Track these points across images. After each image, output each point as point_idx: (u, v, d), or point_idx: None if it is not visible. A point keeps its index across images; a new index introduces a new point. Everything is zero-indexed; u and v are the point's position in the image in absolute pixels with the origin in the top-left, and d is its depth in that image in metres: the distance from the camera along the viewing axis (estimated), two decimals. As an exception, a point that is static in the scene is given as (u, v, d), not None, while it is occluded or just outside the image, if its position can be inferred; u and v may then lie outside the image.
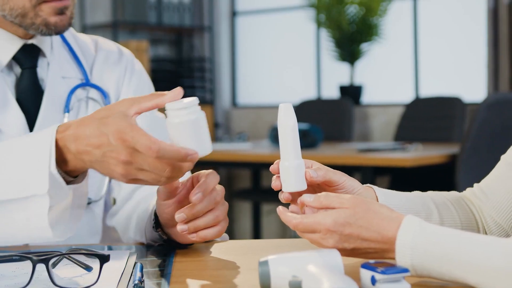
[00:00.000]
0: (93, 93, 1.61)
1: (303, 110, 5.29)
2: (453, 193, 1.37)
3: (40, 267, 1.01)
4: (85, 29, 5.57)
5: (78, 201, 1.24)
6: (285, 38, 6.04)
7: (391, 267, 0.96)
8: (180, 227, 1.23)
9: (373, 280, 0.96)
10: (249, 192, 5.29)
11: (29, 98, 1.53)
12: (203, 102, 5.97)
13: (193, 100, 1.13)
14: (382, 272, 0.95)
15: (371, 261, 0.99)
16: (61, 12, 1.47)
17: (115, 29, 5.51)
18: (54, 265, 1.11)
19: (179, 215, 1.22)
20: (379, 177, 4.54)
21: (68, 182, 1.20)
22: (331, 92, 5.69)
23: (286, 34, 6.03)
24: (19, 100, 1.52)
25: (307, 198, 1.11)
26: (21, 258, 1.03)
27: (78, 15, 5.60)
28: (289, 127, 1.14)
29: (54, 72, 1.56)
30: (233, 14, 6.28)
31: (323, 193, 1.11)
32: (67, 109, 1.56)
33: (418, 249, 1.00)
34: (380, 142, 4.98)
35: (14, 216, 1.19)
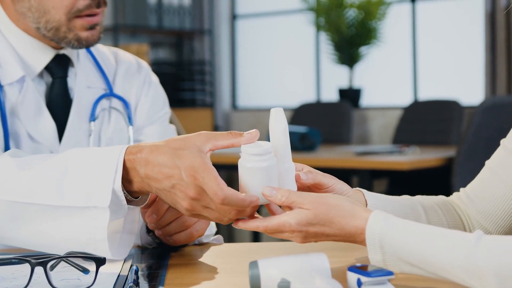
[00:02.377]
0: (116, 103, 1.66)
1: (302, 113, 5.32)
2: (441, 197, 1.40)
3: (39, 269, 1.05)
4: (86, 32, 5.61)
5: (129, 226, 1.25)
6: (284, 41, 6.07)
7: (376, 270, 0.99)
8: (157, 233, 1.32)
9: (359, 283, 0.99)
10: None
11: (59, 107, 1.58)
12: (203, 105, 6.00)
13: (268, 147, 1.15)
14: (368, 275, 0.98)
15: (358, 264, 1.03)
16: (91, 27, 1.53)
17: (116, 32, 5.55)
18: (52, 268, 1.15)
19: (150, 225, 1.31)
20: (377, 180, 4.57)
21: (129, 202, 1.22)
22: (330, 95, 5.72)
23: (285, 37, 6.07)
24: (49, 108, 1.57)
25: (268, 191, 1.14)
26: (20, 261, 1.06)
27: (79, 19, 5.63)
28: (280, 131, 1.17)
29: (81, 82, 1.62)
30: (233, 17, 6.32)
31: (284, 189, 1.14)
32: (92, 118, 1.61)
33: (386, 247, 1.05)
34: (379, 145, 5.01)
35: (73, 222, 1.19)
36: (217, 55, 6.21)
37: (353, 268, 1.01)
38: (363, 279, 0.98)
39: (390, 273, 0.99)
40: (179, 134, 5.02)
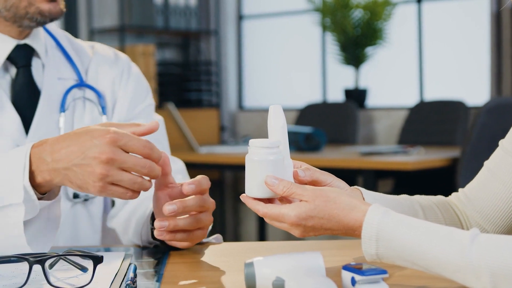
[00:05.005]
0: (89, 93, 1.64)
1: (308, 114, 5.32)
2: (439, 197, 1.41)
3: (38, 268, 1.06)
4: (92, 33, 5.63)
5: (51, 221, 1.28)
6: (290, 42, 6.08)
7: (370, 269, 1.00)
8: (159, 223, 1.26)
9: (353, 281, 1.00)
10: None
11: (25, 98, 1.56)
12: (209, 105, 6.02)
13: (276, 142, 1.16)
14: (362, 274, 0.99)
15: (352, 263, 1.03)
16: (52, 0, 1.51)
17: (122, 33, 5.56)
18: (52, 266, 1.16)
19: (169, 207, 1.24)
20: (382, 181, 4.58)
21: (40, 199, 1.24)
22: (336, 95, 5.72)
23: (291, 38, 6.07)
24: (15, 101, 1.54)
25: (270, 180, 1.15)
26: (18, 259, 1.08)
27: (85, 20, 5.65)
28: (278, 128, 1.18)
29: (50, 74, 1.60)
30: (240, 18, 6.33)
31: (286, 181, 1.15)
32: (62, 108, 1.59)
33: (381, 240, 1.06)
34: (384, 145, 5.01)
35: None
36: (223, 55, 6.22)
37: (347, 267, 1.02)
38: (357, 277, 0.99)
39: (384, 271, 1.00)
40: (184, 134, 4.99)
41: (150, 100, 1.73)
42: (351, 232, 1.12)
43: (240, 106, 6.30)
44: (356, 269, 1.01)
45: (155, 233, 1.28)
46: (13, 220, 1.21)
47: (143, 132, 1.23)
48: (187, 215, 1.29)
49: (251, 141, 1.16)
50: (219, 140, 5.89)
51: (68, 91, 1.61)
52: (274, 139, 1.17)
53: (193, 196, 1.27)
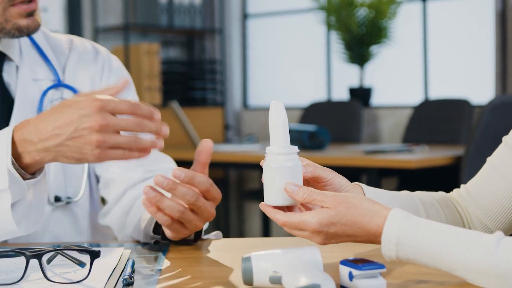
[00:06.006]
0: (67, 93, 1.59)
1: (312, 112, 5.32)
2: (441, 193, 1.40)
3: (35, 263, 1.06)
4: (97, 32, 5.63)
5: (38, 198, 1.28)
6: (295, 40, 6.07)
7: (368, 264, 1.00)
8: (147, 189, 1.21)
9: (351, 276, 1.00)
10: (259, 193, 5.32)
11: None
12: (214, 104, 6.02)
13: (294, 148, 1.14)
14: (359, 268, 0.99)
15: (350, 258, 1.03)
16: (29, 14, 1.47)
17: (127, 31, 5.57)
18: (49, 261, 1.16)
19: (178, 172, 1.20)
20: (386, 179, 4.57)
21: (26, 179, 1.24)
22: (341, 94, 5.72)
23: (296, 36, 6.07)
24: None
25: (289, 187, 1.13)
26: (16, 253, 1.08)
27: (90, 18, 5.66)
28: (279, 124, 1.17)
29: (24, 76, 1.55)
30: (244, 16, 6.33)
31: (306, 187, 1.13)
32: (40, 111, 1.54)
33: (402, 244, 1.04)
34: (389, 144, 5.00)
35: None
36: (228, 54, 6.22)
37: (345, 262, 1.02)
38: (354, 272, 0.99)
39: (382, 266, 0.99)
40: (188, 132, 4.99)
41: (133, 96, 1.67)
42: (373, 239, 1.09)
43: (245, 105, 6.29)
44: (353, 263, 1.00)
45: (143, 200, 1.23)
46: (1, 206, 1.22)
47: (119, 91, 1.24)
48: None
49: (268, 148, 1.15)
50: (224, 139, 5.89)
51: (44, 93, 1.56)
52: (292, 147, 1.15)
53: (188, 187, 1.23)
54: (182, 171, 1.21)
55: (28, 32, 1.48)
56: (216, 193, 1.26)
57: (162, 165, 1.62)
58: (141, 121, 1.19)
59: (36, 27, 1.49)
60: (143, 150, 1.21)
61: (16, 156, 1.22)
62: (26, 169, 1.23)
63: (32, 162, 1.22)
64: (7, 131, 1.23)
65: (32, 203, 1.27)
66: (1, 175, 1.21)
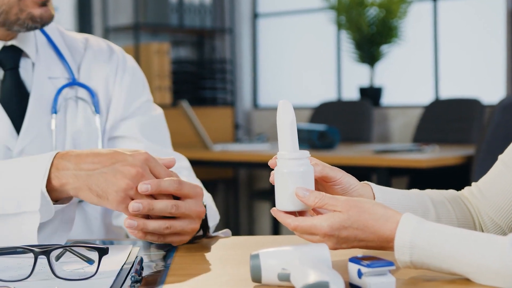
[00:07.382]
0: (82, 92, 1.60)
1: (323, 112, 5.32)
2: (451, 191, 1.39)
3: (44, 260, 1.06)
4: (107, 31, 5.64)
5: (64, 225, 1.28)
6: (305, 40, 6.07)
7: (377, 261, 0.99)
8: (128, 222, 1.21)
9: (360, 273, 0.99)
10: (269, 192, 5.32)
11: (14, 101, 1.52)
12: (224, 104, 6.02)
13: (305, 153, 1.14)
14: (368, 266, 0.98)
15: (359, 255, 1.02)
16: (43, 4, 1.48)
17: (137, 31, 5.57)
18: (58, 258, 1.16)
19: (135, 205, 1.19)
20: (396, 179, 4.56)
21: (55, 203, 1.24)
22: (351, 93, 5.71)
23: (306, 36, 6.06)
24: (4, 104, 1.51)
25: (301, 192, 1.13)
26: (24, 250, 1.08)
27: (100, 18, 5.67)
28: (287, 123, 1.16)
29: (40, 73, 1.56)
30: (254, 16, 6.32)
31: (317, 192, 1.13)
32: (54, 110, 1.55)
33: (416, 248, 1.03)
34: (399, 143, 4.99)
35: (3, 230, 1.23)
36: (238, 53, 6.22)
37: (354, 259, 1.01)
38: (364, 269, 0.98)
39: (390, 263, 0.99)
40: (198, 132, 4.99)
41: (147, 96, 1.68)
42: (385, 244, 1.08)
43: (255, 104, 6.29)
44: (362, 261, 0.99)
45: (128, 230, 1.24)
46: (28, 227, 1.21)
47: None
48: (159, 219, 1.23)
49: (279, 153, 1.14)
50: (234, 138, 5.89)
51: (59, 91, 1.57)
52: (304, 151, 1.15)
53: (165, 200, 1.22)
54: (148, 184, 1.20)
55: (41, 22, 1.48)
56: (191, 188, 1.25)
57: (176, 163, 1.62)
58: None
59: (49, 18, 1.49)
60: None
61: (51, 179, 1.22)
62: (49, 192, 1.23)
63: (57, 185, 1.22)
64: (49, 156, 1.23)
65: (57, 227, 1.27)
66: (34, 197, 1.20)
